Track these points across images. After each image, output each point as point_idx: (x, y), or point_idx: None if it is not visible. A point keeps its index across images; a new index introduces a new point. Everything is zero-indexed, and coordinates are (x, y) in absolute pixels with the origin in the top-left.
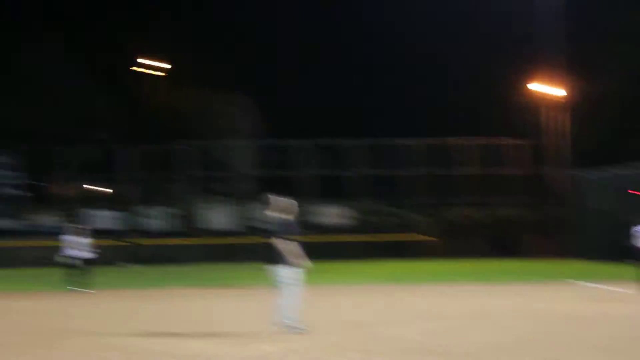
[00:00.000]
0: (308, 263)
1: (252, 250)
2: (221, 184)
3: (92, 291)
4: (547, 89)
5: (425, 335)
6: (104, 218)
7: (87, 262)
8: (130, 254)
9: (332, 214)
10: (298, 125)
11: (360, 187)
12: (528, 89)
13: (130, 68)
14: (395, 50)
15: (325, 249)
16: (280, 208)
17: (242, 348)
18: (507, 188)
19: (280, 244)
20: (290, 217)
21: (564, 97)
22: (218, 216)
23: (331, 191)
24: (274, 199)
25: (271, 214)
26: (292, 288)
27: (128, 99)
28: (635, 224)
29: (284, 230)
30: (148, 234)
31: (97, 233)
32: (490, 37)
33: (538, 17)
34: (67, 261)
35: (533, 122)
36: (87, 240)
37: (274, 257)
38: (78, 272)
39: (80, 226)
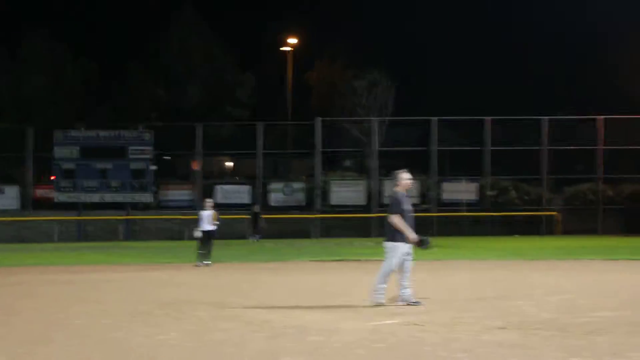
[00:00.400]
0: (415, 238)
1: (380, 226)
2: (353, 160)
3: (210, 263)
4: None
5: (543, 308)
6: (236, 193)
7: (214, 235)
8: (259, 228)
9: (463, 190)
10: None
11: (489, 163)
12: None
13: (268, 48)
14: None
15: (452, 225)
16: (398, 183)
17: (364, 321)
18: None
19: (392, 219)
20: (404, 192)
21: None
22: (348, 192)
23: (462, 167)
24: (395, 174)
25: (392, 189)
26: (401, 262)
27: (264, 77)
28: None
29: (395, 205)
30: (277, 208)
31: (228, 207)
32: None
33: None
34: (202, 235)
35: None
36: (216, 215)
37: (386, 233)
38: (210, 246)
39: (212, 201)
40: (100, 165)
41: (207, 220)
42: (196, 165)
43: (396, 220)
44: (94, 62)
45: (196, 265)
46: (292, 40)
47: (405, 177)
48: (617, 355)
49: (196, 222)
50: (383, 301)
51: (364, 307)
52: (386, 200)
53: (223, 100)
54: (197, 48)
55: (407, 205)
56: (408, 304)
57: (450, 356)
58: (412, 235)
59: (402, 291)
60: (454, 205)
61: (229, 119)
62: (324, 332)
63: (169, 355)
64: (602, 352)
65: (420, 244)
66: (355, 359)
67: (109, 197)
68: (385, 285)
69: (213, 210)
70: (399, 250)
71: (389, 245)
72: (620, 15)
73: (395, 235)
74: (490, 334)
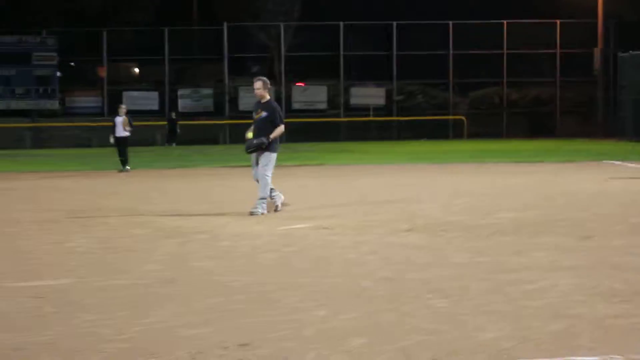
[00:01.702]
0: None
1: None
2: (261, 65)
3: (129, 168)
4: None
5: (449, 210)
6: (144, 99)
7: (128, 141)
8: (171, 134)
9: (371, 95)
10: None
11: (396, 68)
12: None
13: None
14: None
15: (360, 130)
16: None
17: (275, 226)
18: (549, 69)
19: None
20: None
21: None
22: (250, 96)
23: (370, 72)
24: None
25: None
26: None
27: None
28: None
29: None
30: (184, 114)
31: (136, 114)
32: None
33: None
34: (114, 142)
35: (583, 6)
36: (128, 120)
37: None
38: (124, 152)
39: (126, 107)
40: (3, 72)
41: (120, 125)
42: (102, 72)
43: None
44: None
45: (120, 171)
46: None
47: (256, 86)
48: (520, 254)
49: (116, 129)
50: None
51: (274, 212)
52: (296, 106)
53: (126, 5)
54: None
55: (256, 112)
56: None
57: (359, 258)
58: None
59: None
60: (362, 110)
61: (133, 24)
62: (233, 237)
63: (78, 262)
64: (506, 251)
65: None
66: (265, 262)
67: (13, 105)
68: (265, 195)
69: (126, 116)
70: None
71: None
72: None
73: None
74: (397, 236)
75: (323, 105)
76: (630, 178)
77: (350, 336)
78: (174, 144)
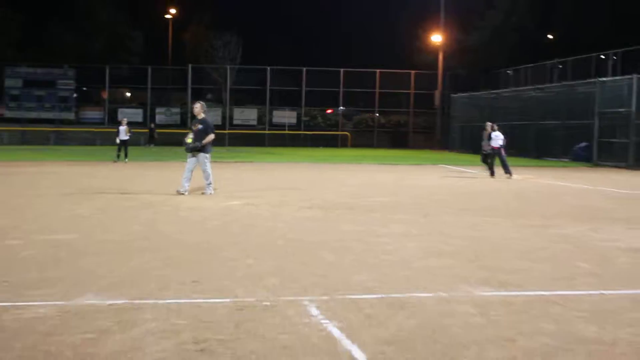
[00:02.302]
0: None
1: (232, 140)
2: (212, 94)
3: (127, 161)
4: (437, 37)
5: (338, 195)
6: (133, 114)
7: (126, 142)
8: (150, 138)
9: (287, 116)
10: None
11: (304, 98)
12: (429, 38)
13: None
14: None
15: (279, 140)
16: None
17: (218, 203)
18: (406, 103)
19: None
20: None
21: (446, 44)
22: (210, 115)
23: (287, 101)
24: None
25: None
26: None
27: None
28: (493, 130)
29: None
30: (160, 125)
31: (131, 124)
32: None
33: None
34: (120, 143)
35: (427, 60)
36: (129, 129)
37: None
38: (126, 149)
39: (127, 119)
40: (37, 92)
41: (123, 132)
42: (104, 94)
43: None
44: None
45: (114, 162)
46: (173, 10)
47: (195, 106)
48: (384, 225)
49: (119, 133)
50: (182, 191)
51: (219, 194)
52: (236, 122)
53: (122, 49)
54: (101, 9)
55: (194, 125)
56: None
57: (275, 225)
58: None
59: (185, 183)
60: (281, 126)
61: (127, 63)
62: (190, 210)
63: (83, 223)
64: (375, 223)
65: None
66: (210, 227)
67: (43, 115)
68: (210, 181)
69: (127, 126)
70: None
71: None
72: None
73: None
74: (302, 212)
75: (254, 122)
76: (457, 177)
77: (268, 277)
78: (152, 145)
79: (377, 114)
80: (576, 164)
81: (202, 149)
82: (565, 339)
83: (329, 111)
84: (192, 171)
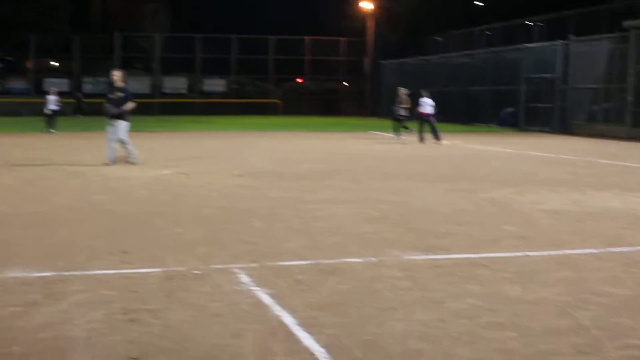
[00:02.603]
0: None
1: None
2: (141, 63)
3: (56, 132)
4: (367, 4)
5: (267, 162)
6: (61, 84)
7: (56, 113)
8: (77, 108)
9: (217, 84)
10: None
11: (235, 67)
12: (359, 5)
13: None
14: None
15: (210, 108)
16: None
17: (148, 172)
18: (336, 70)
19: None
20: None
21: (376, 10)
22: (138, 84)
23: (216, 69)
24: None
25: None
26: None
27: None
28: (422, 97)
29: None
30: (87, 95)
31: (59, 94)
32: None
33: None
34: (48, 113)
35: (357, 27)
36: (56, 98)
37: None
38: (52, 120)
39: (56, 88)
40: None
41: (52, 102)
42: (30, 65)
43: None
44: None
45: (48, 132)
46: None
47: (114, 74)
48: (313, 192)
49: (47, 104)
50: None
51: (149, 163)
52: (165, 90)
53: (48, 17)
54: None
55: (112, 94)
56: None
57: (207, 193)
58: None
59: (111, 154)
60: (211, 94)
61: (54, 32)
62: (119, 179)
63: (10, 195)
64: (304, 190)
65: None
66: (140, 197)
67: None
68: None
69: (56, 96)
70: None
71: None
72: None
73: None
74: (232, 179)
75: (184, 91)
76: (386, 143)
77: (198, 246)
78: (80, 115)
79: (308, 81)
80: (503, 129)
81: (122, 117)
82: (491, 300)
83: (300, 80)
84: (114, 141)
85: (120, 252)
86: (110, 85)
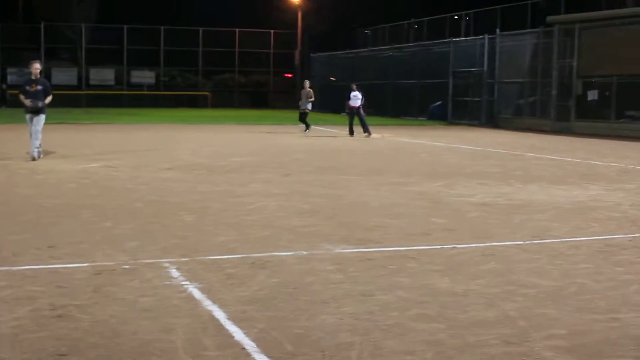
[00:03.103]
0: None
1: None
2: (67, 53)
3: None
4: None
5: (197, 156)
6: None
7: None
8: (1, 100)
9: (146, 76)
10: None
11: (163, 59)
12: None
13: None
14: None
15: (138, 100)
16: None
17: (75, 165)
18: (266, 63)
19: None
20: (33, 76)
21: (305, 2)
22: (64, 75)
23: (145, 61)
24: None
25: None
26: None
27: None
28: (352, 90)
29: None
30: (12, 86)
31: None
32: None
33: None
34: None
35: (287, 19)
36: None
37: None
38: None
39: None
40: None
41: None
42: None
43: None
44: None
45: None
46: None
47: (35, 66)
48: (244, 185)
49: None
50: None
51: (76, 156)
52: (92, 82)
53: None
54: None
55: (30, 86)
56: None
57: (134, 187)
58: (26, 101)
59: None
60: (139, 86)
61: None
62: (45, 173)
63: None
64: (234, 183)
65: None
66: (67, 190)
67: None
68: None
69: None
70: (27, 119)
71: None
72: None
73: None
74: (161, 172)
75: (112, 83)
76: (316, 136)
77: (128, 240)
78: (4, 107)
79: (237, 74)
80: (432, 123)
81: (42, 110)
82: (420, 292)
83: (289, 75)
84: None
85: (47, 247)
86: (29, 76)
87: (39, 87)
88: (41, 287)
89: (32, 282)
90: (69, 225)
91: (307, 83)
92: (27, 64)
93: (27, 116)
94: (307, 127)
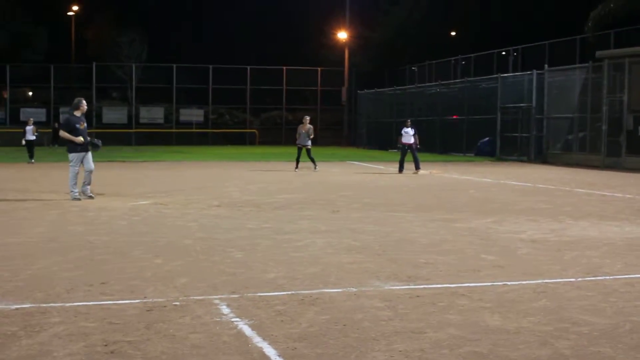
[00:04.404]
0: (81, 141)
1: (137, 139)
2: (119, 92)
3: (34, 161)
4: (342, 34)
5: (245, 193)
6: (36, 114)
7: (33, 143)
8: (54, 138)
9: (194, 114)
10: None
11: (211, 96)
12: (335, 35)
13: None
14: None
15: (187, 138)
16: (78, 108)
17: (126, 203)
18: (313, 100)
19: (61, 133)
20: (80, 114)
21: (352, 40)
22: (115, 114)
23: (194, 99)
24: (77, 101)
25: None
26: (73, 168)
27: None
28: (406, 126)
29: (65, 124)
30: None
31: (35, 124)
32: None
33: None
34: (26, 143)
35: (334, 57)
36: (36, 128)
37: (67, 146)
38: (32, 149)
39: (33, 119)
40: None
41: (30, 132)
42: (5, 94)
43: (62, 134)
44: None
45: (29, 163)
46: (75, 7)
47: (83, 105)
48: (292, 222)
49: (26, 134)
50: (79, 197)
51: (127, 194)
52: (142, 120)
53: (24, 46)
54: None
55: (79, 123)
56: (88, 197)
57: (183, 224)
58: (78, 139)
59: (84, 187)
60: (188, 124)
61: (29, 62)
62: (97, 210)
63: None
64: (282, 220)
65: (92, 147)
66: (118, 227)
67: None
68: (75, 186)
69: (33, 126)
70: (76, 158)
71: (70, 155)
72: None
73: (70, 146)
74: (210, 209)
75: (161, 121)
76: (364, 173)
77: (178, 277)
78: (56, 145)
79: (285, 112)
80: (480, 159)
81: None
82: (471, 329)
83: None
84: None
85: (99, 284)
86: (77, 115)
87: (85, 125)
88: (94, 323)
89: (84, 319)
90: (120, 262)
91: (307, 119)
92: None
93: (81, 155)
94: (298, 164)
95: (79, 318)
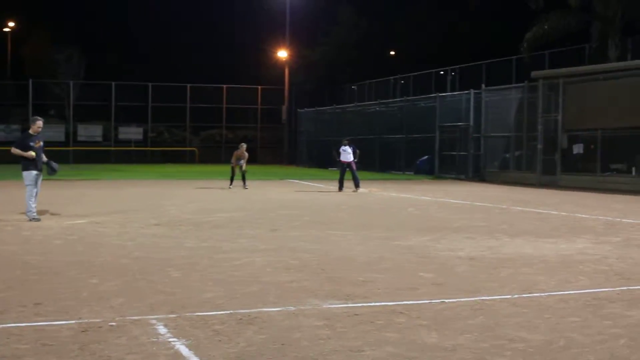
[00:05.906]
0: (32, 155)
1: (75, 157)
2: (54, 110)
3: None
4: (283, 52)
5: (184, 211)
6: None
7: None
8: None
9: (133, 132)
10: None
11: (151, 115)
12: (276, 54)
13: None
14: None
15: (125, 156)
16: (31, 125)
17: (62, 222)
18: (253, 118)
19: (13, 150)
20: (34, 132)
21: (292, 59)
22: (52, 132)
23: (133, 117)
24: (31, 119)
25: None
26: (29, 187)
27: None
28: (343, 145)
29: (20, 141)
30: (1, 142)
31: None
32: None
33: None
34: None
35: (274, 75)
36: None
37: (21, 163)
38: None
39: None
40: None
41: None
42: None
43: (13, 150)
44: None
45: None
46: (11, 23)
47: (38, 123)
48: (230, 241)
49: None
50: (38, 217)
51: (63, 213)
52: (80, 138)
53: None
54: None
55: (34, 142)
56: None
57: (121, 244)
58: (29, 154)
59: (28, 209)
60: (127, 142)
61: None
62: (32, 229)
63: None
64: (221, 239)
65: (49, 170)
66: (53, 247)
67: None
68: (33, 204)
69: None
70: (30, 177)
71: (24, 173)
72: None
73: (24, 164)
74: (148, 228)
75: (99, 139)
76: (304, 191)
77: (114, 297)
78: None
79: (225, 130)
80: (419, 177)
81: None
82: (408, 347)
83: None
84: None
85: (33, 304)
86: (31, 133)
87: (42, 144)
88: (27, 345)
89: (17, 340)
90: (55, 282)
91: (243, 146)
92: (15, 120)
93: (34, 173)
94: (232, 182)
95: (11, 340)
